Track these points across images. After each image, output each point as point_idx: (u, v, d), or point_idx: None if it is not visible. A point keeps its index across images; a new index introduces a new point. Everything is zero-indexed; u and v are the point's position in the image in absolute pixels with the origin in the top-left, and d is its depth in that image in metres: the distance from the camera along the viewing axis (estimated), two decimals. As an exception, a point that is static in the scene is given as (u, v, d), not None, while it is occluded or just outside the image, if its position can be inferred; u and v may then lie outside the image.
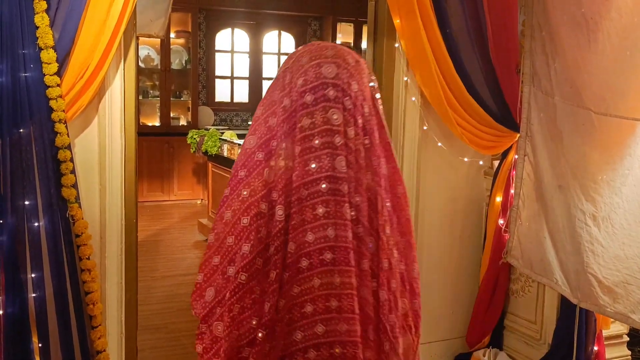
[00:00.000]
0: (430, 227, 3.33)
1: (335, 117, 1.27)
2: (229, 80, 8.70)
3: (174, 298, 4.46)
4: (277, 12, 8.47)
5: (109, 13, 2.44)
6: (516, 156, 2.95)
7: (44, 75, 2.34)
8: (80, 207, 2.49)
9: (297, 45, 8.68)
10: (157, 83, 7.92)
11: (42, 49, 2.33)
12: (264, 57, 8.77)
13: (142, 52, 7.70)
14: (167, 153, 7.84)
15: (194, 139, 6.91)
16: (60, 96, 2.38)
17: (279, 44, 8.87)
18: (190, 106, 8.05)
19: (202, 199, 7.92)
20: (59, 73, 2.38)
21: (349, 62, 1.31)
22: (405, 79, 3.14)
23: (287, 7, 8.42)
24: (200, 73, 8.34)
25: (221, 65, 8.61)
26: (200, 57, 8.29)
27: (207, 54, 8.45)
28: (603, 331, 2.98)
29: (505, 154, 3.23)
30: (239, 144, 5.71)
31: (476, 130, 3.14)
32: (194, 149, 6.64)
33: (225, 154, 5.95)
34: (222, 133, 6.42)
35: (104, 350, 2.60)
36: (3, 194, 2.31)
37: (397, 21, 3.01)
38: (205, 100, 8.47)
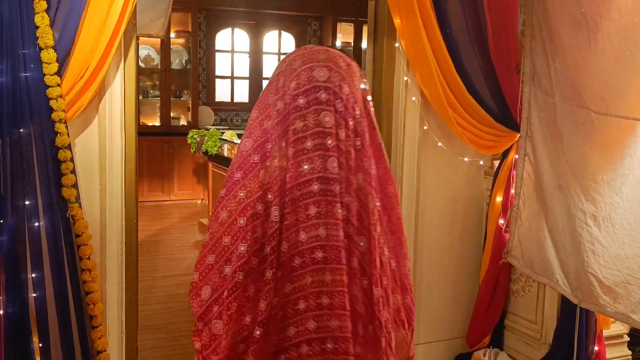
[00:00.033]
0: (430, 227, 3.33)
1: (327, 119, 1.30)
2: (229, 80, 8.71)
3: (174, 298, 4.46)
4: (277, 12, 8.47)
5: (109, 13, 2.44)
6: (516, 156, 2.95)
7: (44, 75, 2.34)
8: (80, 207, 2.49)
9: (297, 45, 8.69)
10: (157, 83, 7.93)
11: (42, 49, 2.33)
12: (264, 57, 8.77)
13: (142, 52, 7.70)
14: (168, 153, 7.84)
15: (194, 138, 6.91)
16: (61, 96, 2.38)
17: (279, 43, 8.87)
18: (190, 106, 8.06)
19: (202, 199, 7.92)
20: (59, 73, 2.38)
21: (341, 66, 1.34)
22: (406, 78, 3.14)
23: (287, 7, 8.42)
24: (200, 73, 8.34)
25: (221, 65, 8.61)
26: (200, 57, 8.29)
27: (207, 53, 8.45)
28: (603, 331, 2.98)
29: (505, 154, 3.23)
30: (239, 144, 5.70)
31: (476, 130, 3.14)
32: (194, 149, 6.64)
33: (225, 154, 5.95)
34: (223, 133, 6.41)
35: (105, 350, 2.60)
36: (3, 194, 2.31)
37: (397, 21, 3.01)
38: (205, 100, 8.47)
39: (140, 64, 7.49)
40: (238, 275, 1.30)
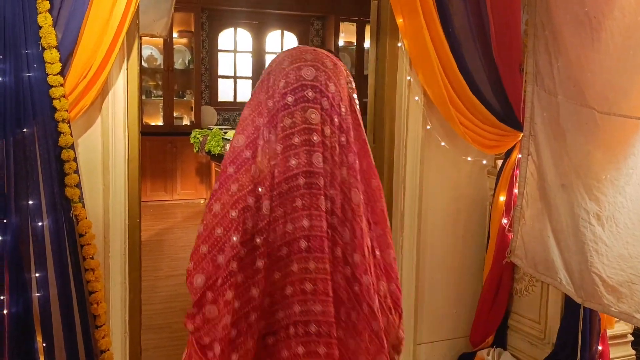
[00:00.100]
0: (433, 227, 3.33)
1: (313, 116, 1.38)
2: (231, 80, 8.71)
3: (178, 297, 4.47)
4: (280, 11, 8.48)
5: (112, 13, 2.44)
6: (519, 155, 2.94)
7: (47, 75, 2.34)
8: (83, 206, 2.50)
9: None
10: (160, 83, 7.93)
11: (45, 49, 2.33)
12: (267, 56, 8.76)
13: (145, 52, 7.71)
14: (170, 153, 7.85)
15: (197, 138, 6.92)
16: (64, 96, 2.39)
17: (281, 43, 8.87)
18: (193, 106, 8.07)
19: (205, 199, 7.92)
20: (62, 73, 2.39)
21: (327, 65, 1.42)
22: (408, 78, 3.14)
23: (289, 7, 8.42)
24: (203, 73, 8.35)
25: (224, 64, 8.62)
26: (203, 57, 8.30)
27: (210, 53, 8.46)
28: (607, 331, 2.98)
29: (508, 153, 3.22)
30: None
31: (479, 129, 3.13)
32: (197, 149, 6.65)
33: (228, 153, 5.94)
34: (225, 132, 6.42)
35: (108, 350, 2.61)
36: (7, 194, 2.31)
37: (399, 20, 3.01)
38: (208, 99, 8.48)
39: (143, 63, 7.51)
40: (232, 264, 1.36)
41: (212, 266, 1.40)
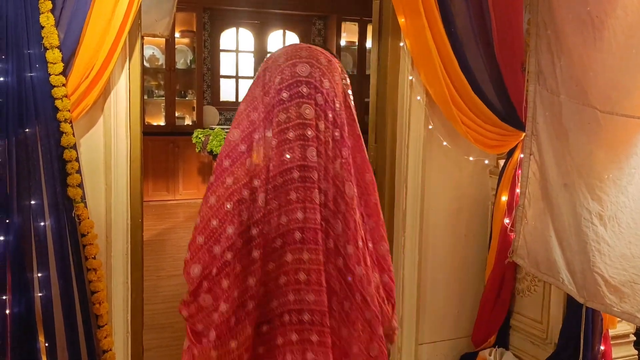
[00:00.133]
0: (435, 226, 3.33)
1: (307, 111, 1.41)
2: (233, 80, 8.72)
3: (180, 297, 4.45)
4: (282, 11, 8.48)
5: (114, 13, 2.45)
6: (522, 155, 2.94)
7: (50, 75, 2.35)
8: (86, 206, 2.50)
9: (301, 45, 8.67)
10: (162, 83, 7.94)
11: (48, 49, 2.34)
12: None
13: (147, 52, 7.72)
14: (172, 152, 7.85)
15: (199, 138, 6.92)
16: (66, 96, 2.39)
17: (283, 43, 8.87)
18: (195, 106, 8.07)
19: (207, 199, 7.91)
20: (64, 73, 2.39)
21: (322, 62, 1.45)
22: (410, 77, 3.14)
23: (291, 7, 8.42)
24: (205, 72, 8.35)
25: (226, 64, 8.63)
26: (205, 57, 8.30)
27: (212, 53, 8.46)
28: (609, 330, 2.97)
29: (510, 153, 3.22)
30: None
31: (481, 129, 3.13)
32: (199, 149, 6.65)
33: (230, 153, 5.95)
34: (227, 132, 6.43)
35: (110, 350, 2.61)
36: (9, 194, 2.32)
37: (401, 20, 3.01)
38: (210, 99, 8.49)
39: (145, 63, 7.52)
40: (227, 254, 1.40)
41: (208, 257, 1.43)
